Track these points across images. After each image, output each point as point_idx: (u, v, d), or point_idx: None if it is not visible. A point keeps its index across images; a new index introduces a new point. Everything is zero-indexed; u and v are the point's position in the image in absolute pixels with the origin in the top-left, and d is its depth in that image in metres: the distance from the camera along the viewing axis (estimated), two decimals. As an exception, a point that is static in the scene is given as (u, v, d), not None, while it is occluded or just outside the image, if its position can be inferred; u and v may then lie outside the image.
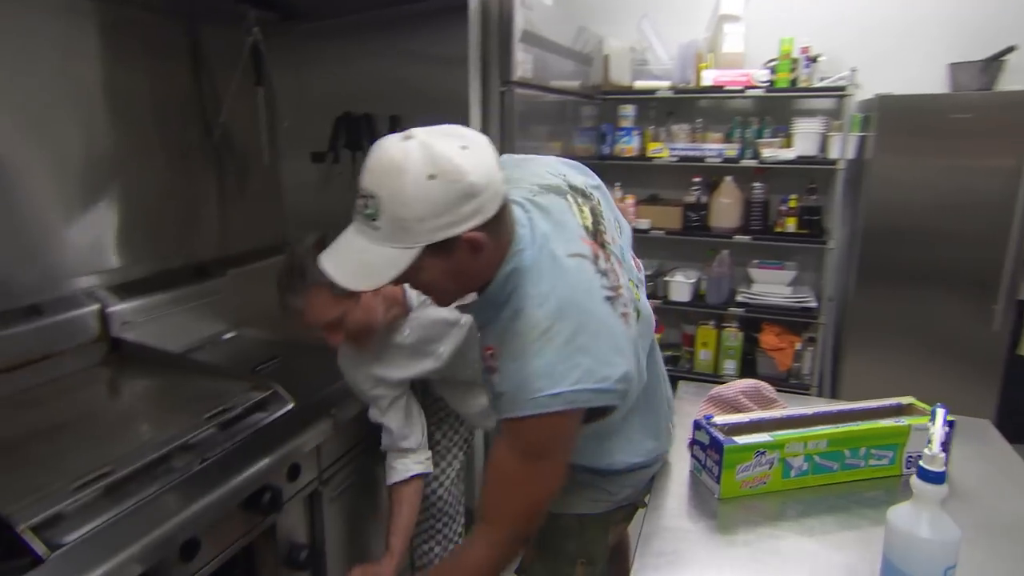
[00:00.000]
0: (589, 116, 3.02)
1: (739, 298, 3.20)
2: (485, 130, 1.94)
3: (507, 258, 0.95)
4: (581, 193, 1.09)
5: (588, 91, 2.88)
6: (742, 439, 1.17)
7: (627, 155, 3.25)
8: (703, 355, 3.31)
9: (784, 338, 3.15)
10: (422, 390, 1.57)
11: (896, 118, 2.72)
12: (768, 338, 3.16)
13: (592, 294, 0.95)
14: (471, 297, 1.02)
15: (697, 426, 1.25)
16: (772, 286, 3.21)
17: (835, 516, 1.13)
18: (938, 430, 0.93)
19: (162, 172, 1.88)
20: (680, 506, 1.18)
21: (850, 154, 2.90)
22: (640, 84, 3.18)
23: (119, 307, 1.69)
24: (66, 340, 1.58)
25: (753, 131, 3.10)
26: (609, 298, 0.96)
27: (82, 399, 1.50)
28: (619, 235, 1.15)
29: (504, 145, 1.97)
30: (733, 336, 3.22)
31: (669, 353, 3.40)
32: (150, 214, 1.85)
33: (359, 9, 2.06)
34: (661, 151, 3.18)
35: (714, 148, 3.12)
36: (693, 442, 1.27)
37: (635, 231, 1.27)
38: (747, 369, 3.22)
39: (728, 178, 3.14)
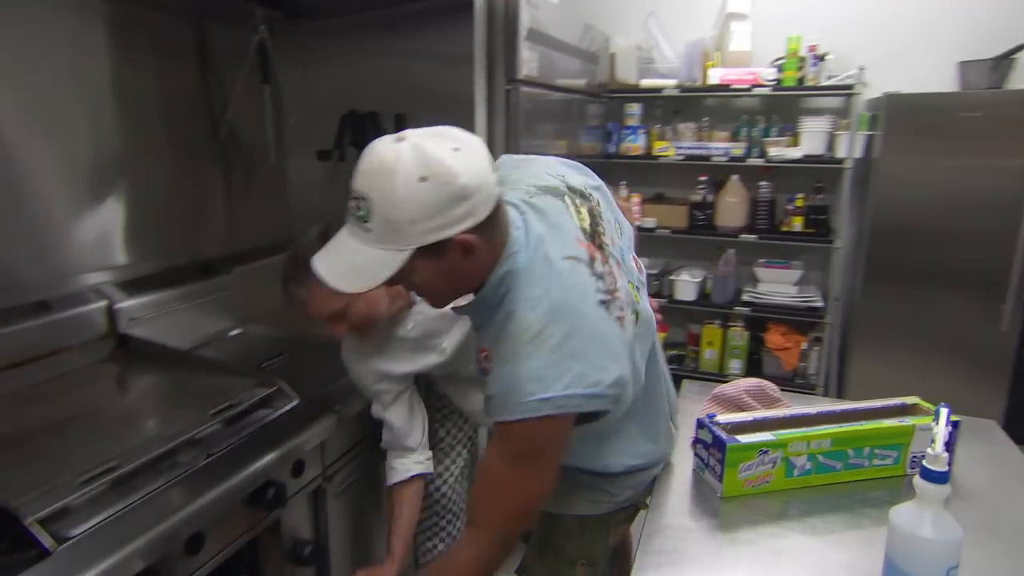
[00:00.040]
0: (595, 115, 3.01)
1: (745, 297, 3.20)
2: (490, 129, 1.94)
3: (501, 260, 0.94)
4: (579, 194, 1.08)
5: (594, 89, 2.88)
6: (745, 438, 1.17)
7: (633, 154, 3.24)
8: (708, 354, 3.30)
9: (790, 338, 3.14)
10: (426, 387, 1.57)
11: (904, 117, 2.70)
12: (774, 338, 3.15)
13: (586, 297, 0.94)
14: (468, 298, 1.02)
15: (700, 424, 1.24)
16: (778, 285, 3.20)
17: (838, 515, 1.13)
18: (941, 430, 0.93)
19: (169, 170, 1.89)
20: (682, 504, 1.18)
21: (857, 153, 2.88)
22: (646, 82, 3.17)
23: (126, 304, 1.70)
24: (74, 336, 1.59)
25: (760, 130, 3.09)
26: (604, 302, 0.95)
27: (89, 394, 1.51)
28: (619, 236, 1.14)
29: (509, 144, 1.97)
30: (739, 335, 3.21)
31: (674, 352, 3.40)
32: (157, 211, 1.86)
33: (365, 7, 2.07)
34: (667, 150, 3.17)
35: (720, 147, 3.11)
36: (696, 440, 1.27)
37: (640, 230, 1.27)
38: (753, 368, 3.21)
39: (734, 177, 3.13)
